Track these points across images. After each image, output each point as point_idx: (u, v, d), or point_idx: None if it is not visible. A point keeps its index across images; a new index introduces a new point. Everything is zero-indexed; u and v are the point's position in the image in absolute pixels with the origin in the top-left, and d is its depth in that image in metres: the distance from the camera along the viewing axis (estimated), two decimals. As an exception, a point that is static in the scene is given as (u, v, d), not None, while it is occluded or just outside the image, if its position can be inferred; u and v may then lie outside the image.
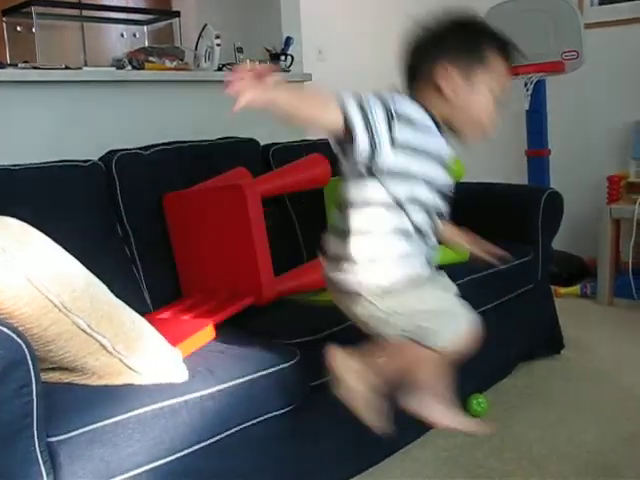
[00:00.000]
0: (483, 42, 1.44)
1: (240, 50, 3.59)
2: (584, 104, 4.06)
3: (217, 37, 3.30)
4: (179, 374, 1.60)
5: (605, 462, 2.07)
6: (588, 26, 3.74)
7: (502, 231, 2.67)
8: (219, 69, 3.36)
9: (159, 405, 1.50)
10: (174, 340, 1.71)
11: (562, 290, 3.78)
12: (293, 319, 1.92)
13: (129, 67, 2.97)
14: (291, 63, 3.65)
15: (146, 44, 4.91)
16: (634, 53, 3.86)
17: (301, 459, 1.83)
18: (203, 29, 3.38)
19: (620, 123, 3.93)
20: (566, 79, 3.85)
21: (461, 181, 2.70)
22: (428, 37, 1.43)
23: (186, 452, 1.55)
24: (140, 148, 2.43)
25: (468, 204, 2.81)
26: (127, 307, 1.68)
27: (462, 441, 2.22)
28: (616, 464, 2.06)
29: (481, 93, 1.45)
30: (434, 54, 1.41)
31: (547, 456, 2.12)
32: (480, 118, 1.47)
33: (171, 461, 1.53)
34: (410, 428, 2.18)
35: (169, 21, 5.10)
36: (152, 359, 1.59)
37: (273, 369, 1.69)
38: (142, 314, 1.70)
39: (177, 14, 4.85)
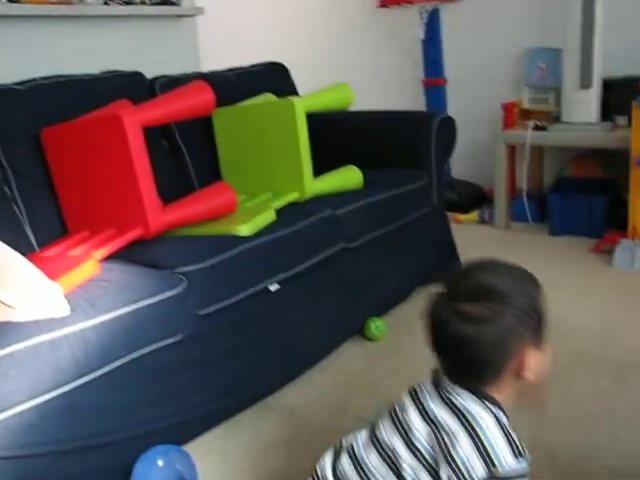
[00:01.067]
0: (537, 301, 1.23)
1: (128, -18, 3.44)
2: (478, 32, 4.08)
3: (102, -31, 3.13)
4: (59, 309, 1.54)
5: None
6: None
7: (396, 157, 2.70)
8: (105, 3, 3.21)
9: (37, 340, 1.44)
10: (55, 275, 1.64)
11: (461, 217, 3.85)
12: (180, 249, 1.87)
13: (4, 0, 2.78)
14: (181, -4, 3.52)
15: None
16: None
17: (193, 390, 1.81)
18: (86, -41, 3.20)
19: (514, 50, 3.97)
20: (460, 7, 3.86)
21: (354, 110, 2.68)
22: (493, 325, 1.12)
23: (70, 387, 1.50)
24: (16, 83, 2.30)
25: (362, 132, 2.83)
26: (2, 244, 1.61)
27: (360, 364, 2.25)
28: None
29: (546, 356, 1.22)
30: (514, 344, 1.14)
31: (442, 373, 2.16)
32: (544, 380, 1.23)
33: (54, 397, 1.47)
34: (309, 355, 2.20)
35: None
36: (29, 294, 1.52)
37: (158, 297, 1.64)
38: (26, 254, 1.62)
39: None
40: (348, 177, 2.47)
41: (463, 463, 1.11)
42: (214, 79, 2.73)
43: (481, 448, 1.12)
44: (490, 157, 3.71)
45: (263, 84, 2.90)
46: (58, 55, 2.79)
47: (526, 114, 3.76)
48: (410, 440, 1.20)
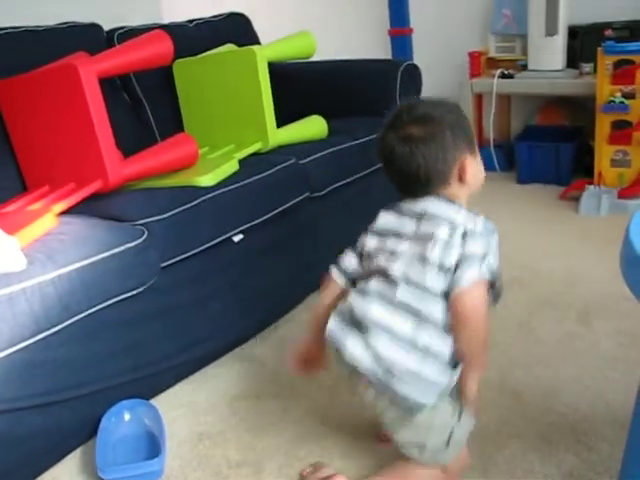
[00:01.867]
0: (465, 121, 1.40)
1: None
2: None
3: None
4: (16, 263, 1.50)
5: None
6: None
7: (361, 106, 2.66)
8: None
9: (-7, 295, 1.41)
10: (12, 230, 1.60)
11: (429, 168, 3.84)
12: (141, 200, 1.83)
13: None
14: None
15: None
16: None
17: (157, 342, 1.79)
18: None
19: (480, -2, 3.93)
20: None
21: (317, 59, 2.63)
22: (438, 141, 1.33)
23: (29, 342, 1.46)
24: (-34, 35, 2.23)
25: (326, 81, 2.79)
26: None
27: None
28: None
29: (480, 163, 1.44)
30: (453, 153, 1.34)
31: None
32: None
33: (13, 353, 1.43)
34: (276, 305, 2.19)
35: None
36: (-16, 249, 1.49)
37: (118, 249, 1.60)
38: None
39: None
40: (312, 127, 2.44)
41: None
42: (174, 30, 2.66)
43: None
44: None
45: (225, 35, 2.83)
46: (12, 6, 2.70)
47: (493, 63, 3.74)
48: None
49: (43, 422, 1.55)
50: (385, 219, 1.46)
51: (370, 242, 1.46)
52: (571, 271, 2.43)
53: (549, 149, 3.42)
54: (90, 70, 1.90)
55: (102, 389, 1.67)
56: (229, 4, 3.25)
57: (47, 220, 1.73)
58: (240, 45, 2.69)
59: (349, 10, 4.39)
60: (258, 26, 3.13)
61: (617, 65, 2.94)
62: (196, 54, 2.55)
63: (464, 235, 1.31)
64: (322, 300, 1.48)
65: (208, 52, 2.58)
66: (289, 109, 2.46)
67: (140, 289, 1.69)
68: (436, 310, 1.28)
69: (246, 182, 1.99)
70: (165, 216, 1.75)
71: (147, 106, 2.55)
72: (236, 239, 1.96)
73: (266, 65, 2.25)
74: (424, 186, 1.36)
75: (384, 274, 1.34)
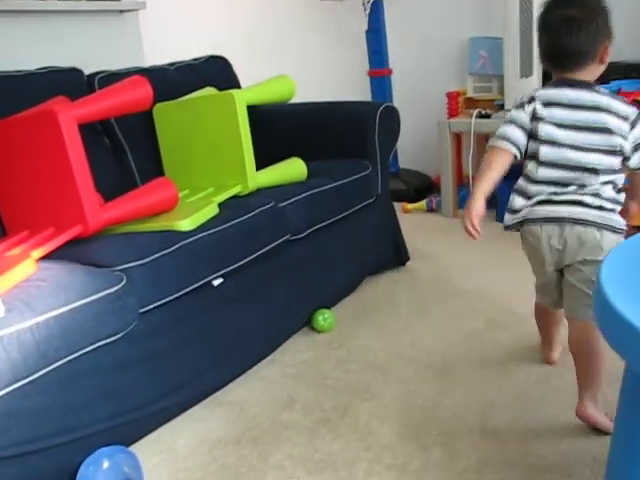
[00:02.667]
0: (609, 13, 1.70)
1: (64, -22, 3.38)
2: (421, 22, 4.11)
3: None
4: (-6, 311, 1.50)
5: (443, 361, 2.15)
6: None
7: (340, 148, 2.70)
8: (41, -3, 3.14)
9: (-30, 344, 1.40)
10: (-10, 277, 1.60)
11: (409, 206, 3.88)
12: (120, 246, 1.83)
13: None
14: (122, -10, 3.47)
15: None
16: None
17: (137, 388, 1.78)
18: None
19: (457, 39, 4.00)
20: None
21: (297, 101, 2.67)
22: (590, 25, 1.65)
23: (5, 391, 1.44)
24: (-55, 82, 2.24)
25: (305, 123, 2.82)
26: None
27: (309, 356, 2.24)
28: (453, 361, 2.14)
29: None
30: (601, 38, 1.66)
31: (391, 362, 2.17)
32: None
33: (-10, 402, 1.44)
34: (257, 348, 2.19)
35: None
36: (-38, 297, 1.48)
37: (96, 296, 1.60)
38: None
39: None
40: (292, 169, 2.46)
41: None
42: (155, 73, 2.71)
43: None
44: (436, 146, 3.73)
45: (205, 78, 2.87)
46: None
47: (471, 102, 3.80)
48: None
49: (18, 472, 1.53)
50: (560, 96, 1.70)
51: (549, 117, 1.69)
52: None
53: (527, 187, 3.45)
54: (69, 116, 1.91)
55: (80, 437, 1.65)
56: (211, 47, 3.30)
57: (26, 266, 1.72)
58: (220, 88, 2.71)
59: (329, 51, 4.46)
60: (239, 69, 3.17)
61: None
62: (177, 97, 2.58)
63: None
64: (497, 168, 1.74)
65: (188, 96, 2.61)
66: (269, 150, 2.49)
67: (119, 335, 1.68)
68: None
69: (226, 226, 2.00)
70: (144, 261, 1.75)
71: (128, 149, 2.56)
72: (215, 283, 1.97)
73: (245, 109, 2.27)
74: (576, 60, 1.67)
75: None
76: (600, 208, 1.66)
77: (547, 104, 1.68)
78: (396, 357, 2.20)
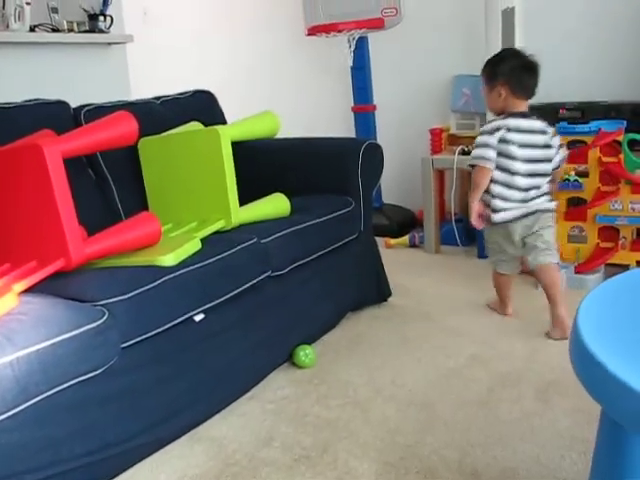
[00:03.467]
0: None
1: (55, 10, 3.41)
2: (406, 59, 4.17)
3: (26, -5, 3.10)
4: (-27, 345, 1.49)
5: (424, 398, 2.15)
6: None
7: (324, 183, 2.73)
8: (31, 30, 3.17)
9: (-52, 379, 1.39)
10: (-29, 311, 1.60)
11: (392, 241, 3.90)
12: (102, 280, 1.84)
13: None
14: (111, 24, 3.51)
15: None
16: (452, 10, 3.99)
17: (116, 423, 1.77)
18: (10, -13, 3.16)
19: (441, 77, 4.06)
20: (387, 35, 3.93)
21: (281, 136, 2.70)
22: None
23: (-17, 427, 1.45)
24: None
25: (289, 159, 2.85)
26: None
27: (289, 392, 2.24)
28: (434, 398, 2.15)
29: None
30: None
31: (371, 399, 2.17)
32: None
33: (-34, 438, 1.43)
34: (237, 384, 2.19)
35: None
36: (-59, 332, 1.48)
37: (78, 331, 1.60)
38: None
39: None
40: (275, 205, 2.48)
41: None
42: (141, 107, 2.73)
43: None
44: (420, 181, 3.77)
45: (191, 112, 2.89)
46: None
47: (454, 139, 3.84)
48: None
49: (-5, 509, 1.52)
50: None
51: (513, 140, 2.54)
52: (530, 347, 2.47)
53: (508, 224, 3.49)
54: (55, 150, 1.92)
55: (57, 473, 1.63)
56: (197, 81, 3.33)
57: (8, 299, 1.72)
58: (206, 123, 2.74)
59: (314, 86, 4.51)
60: (224, 103, 3.20)
61: (571, 145, 3.05)
62: (162, 131, 2.60)
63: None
64: (485, 183, 2.56)
65: (173, 130, 2.63)
66: (252, 185, 2.50)
67: (99, 370, 1.68)
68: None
69: (208, 262, 2.01)
70: (126, 297, 1.76)
71: (112, 182, 2.57)
72: (197, 318, 1.97)
73: (230, 145, 2.29)
74: (532, 96, 2.61)
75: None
76: (548, 197, 2.64)
77: (510, 130, 2.52)
78: (377, 393, 2.21)
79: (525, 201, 2.57)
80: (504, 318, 2.77)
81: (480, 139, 2.56)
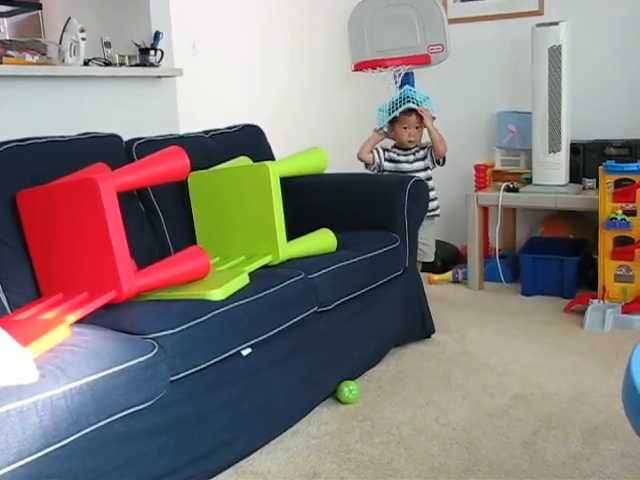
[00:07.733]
0: None
1: (108, 45, 3.51)
2: (451, 95, 4.18)
3: (82, 31, 3.19)
4: (28, 375, 1.53)
5: (469, 437, 2.14)
6: (452, 21, 3.87)
7: (370, 220, 2.74)
8: (85, 64, 3.27)
9: (4, 408, 1.42)
10: (26, 340, 1.63)
11: (436, 277, 3.89)
12: (152, 314, 1.87)
13: (-17, 61, 2.82)
14: (161, 58, 3.59)
15: (7, 38, 4.71)
16: (498, 46, 4.01)
17: (162, 455, 1.79)
18: (67, 22, 3.27)
19: (486, 113, 4.07)
20: (433, 71, 3.96)
21: (327, 172, 2.72)
22: None
23: (37, 456, 1.47)
24: (-10, 147, 2.32)
25: (336, 194, 2.88)
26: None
27: (333, 428, 2.24)
28: (478, 438, 2.13)
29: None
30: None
31: (415, 437, 2.17)
32: None
33: (21, 467, 1.45)
34: (281, 418, 2.20)
35: (31, 13, 4.91)
36: (-2, 361, 1.52)
37: (129, 363, 1.64)
38: (-1, 317, 1.62)
39: (39, 6, 4.67)
40: (322, 240, 2.50)
41: None
42: (190, 141, 2.79)
43: None
44: (464, 217, 3.77)
45: (239, 146, 2.94)
46: (37, 116, 2.83)
47: (499, 175, 3.85)
48: None
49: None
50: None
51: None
52: (576, 388, 2.43)
53: (554, 262, 3.48)
54: (110, 185, 1.97)
55: (104, 503, 1.66)
56: (245, 115, 3.39)
57: (61, 330, 1.76)
58: (254, 157, 2.78)
59: (360, 122, 4.54)
60: (272, 138, 3.25)
61: (618, 183, 3.03)
62: (211, 165, 2.64)
63: None
64: None
65: (222, 165, 2.68)
66: (299, 220, 2.53)
67: (149, 403, 1.71)
68: None
69: (256, 297, 2.03)
70: (176, 330, 1.79)
71: (161, 215, 2.61)
72: (245, 353, 2.00)
73: (278, 181, 2.33)
74: None
75: None
76: None
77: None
78: (420, 432, 2.20)
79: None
80: (550, 358, 2.73)
81: None
